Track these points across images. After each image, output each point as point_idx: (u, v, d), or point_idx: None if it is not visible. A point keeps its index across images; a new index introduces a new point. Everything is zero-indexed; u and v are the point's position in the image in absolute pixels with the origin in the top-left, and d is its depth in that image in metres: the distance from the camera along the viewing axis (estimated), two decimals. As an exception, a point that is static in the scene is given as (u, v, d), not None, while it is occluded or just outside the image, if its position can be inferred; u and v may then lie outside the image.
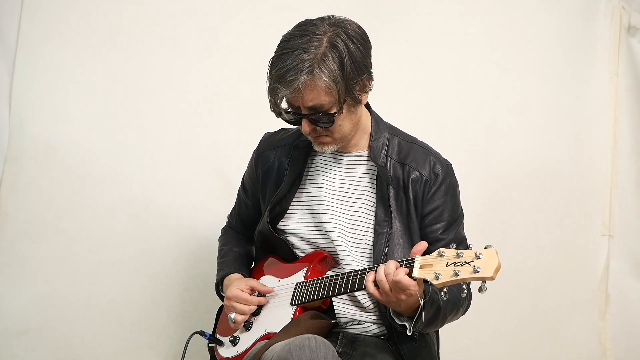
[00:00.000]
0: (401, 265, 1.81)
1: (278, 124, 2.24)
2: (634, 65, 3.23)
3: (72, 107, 2.77)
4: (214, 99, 2.91)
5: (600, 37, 3.21)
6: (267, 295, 2.11)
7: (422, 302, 1.80)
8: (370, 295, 1.91)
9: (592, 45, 3.21)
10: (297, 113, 1.95)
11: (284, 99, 1.93)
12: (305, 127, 1.96)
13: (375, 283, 1.84)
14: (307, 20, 1.97)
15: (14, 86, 2.72)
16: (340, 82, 1.89)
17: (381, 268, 1.83)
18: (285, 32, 1.96)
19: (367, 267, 1.93)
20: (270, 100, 1.95)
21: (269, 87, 1.93)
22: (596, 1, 3.21)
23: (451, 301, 1.95)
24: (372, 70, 1.99)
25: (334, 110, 1.93)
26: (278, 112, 1.97)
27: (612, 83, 3.24)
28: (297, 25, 1.96)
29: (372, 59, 2.00)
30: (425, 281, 1.77)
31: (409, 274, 1.78)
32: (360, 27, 1.97)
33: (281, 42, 1.94)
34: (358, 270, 1.92)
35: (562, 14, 3.18)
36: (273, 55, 1.94)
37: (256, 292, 2.11)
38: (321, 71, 1.88)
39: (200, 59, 2.88)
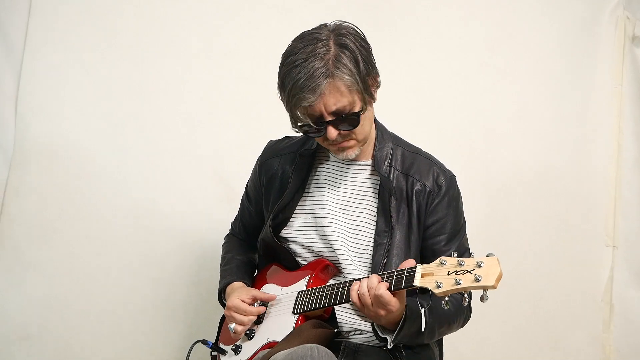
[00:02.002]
0: (400, 275, 1.80)
1: (279, 128, 2.25)
2: (638, 75, 3.21)
3: (76, 112, 2.79)
4: (215, 103, 2.91)
5: (604, 47, 3.20)
6: (269, 303, 2.11)
7: (423, 311, 1.81)
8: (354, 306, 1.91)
9: (595, 55, 3.20)
10: (323, 122, 1.93)
11: (305, 113, 1.91)
12: (332, 133, 1.94)
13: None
14: (304, 32, 1.96)
15: (19, 91, 2.74)
16: (359, 78, 1.90)
17: (364, 281, 1.83)
18: (286, 49, 1.95)
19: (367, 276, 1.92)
20: (293, 115, 1.93)
21: (288, 102, 1.91)
22: (600, 10, 3.20)
23: (441, 315, 1.94)
24: (376, 66, 2.00)
25: (357, 109, 1.93)
26: (301, 126, 1.95)
27: (616, 93, 3.23)
28: (296, 39, 1.96)
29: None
30: (426, 290, 1.76)
31: (411, 283, 1.76)
32: (357, 27, 1.98)
33: (286, 57, 1.93)
34: (360, 279, 1.91)
35: (566, 22, 3.18)
36: (282, 72, 1.93)
37: (258, 302, 2.11)
38: (340, 71, 1.88)
39: (202, 64, 2.90)
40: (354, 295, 1.84)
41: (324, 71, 1.87)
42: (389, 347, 1.88)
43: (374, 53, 1.98)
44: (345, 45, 1.90)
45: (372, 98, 1.99)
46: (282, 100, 1.97)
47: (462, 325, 2.07)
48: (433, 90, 3.09)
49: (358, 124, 1.94)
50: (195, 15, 2.88)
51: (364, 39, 1.96)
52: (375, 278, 1.82)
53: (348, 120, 1.93)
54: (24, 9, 2.72)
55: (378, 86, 2.00)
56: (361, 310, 1.85)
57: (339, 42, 1.90)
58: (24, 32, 2.73)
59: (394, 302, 1.79)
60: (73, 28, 2.78)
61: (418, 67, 3.07)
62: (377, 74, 1.99)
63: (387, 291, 1.78)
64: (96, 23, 2.79)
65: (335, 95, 1.89)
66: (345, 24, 1.96)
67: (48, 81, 2.76)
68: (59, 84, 2.77)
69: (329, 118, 1.92)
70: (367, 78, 1.93)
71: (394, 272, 1.82)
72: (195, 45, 2.88)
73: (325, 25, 1.96)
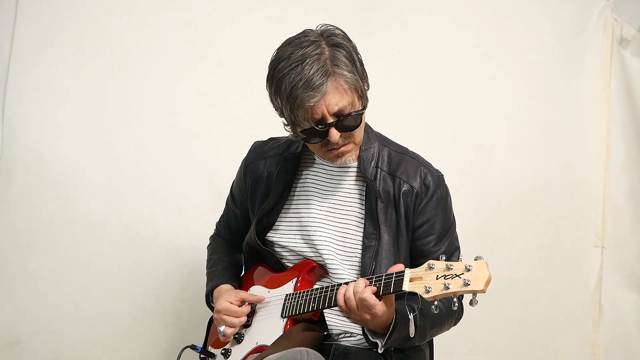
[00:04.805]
0: (389, 279, 1.79)
1: (270, 134, 2.24)
2: (626, 77, 3.23)
3: (63, 119, 2.78)
4: (205, 110, 2.91)
5: (593, 49, 3.22)
6: (257, 305, 2.10)
7: (411, 317, 1.79)
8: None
9: (584, 58, 3.22)
10: (326, 124, 1.90)
11: (306, 116, 1.88)
12: (334, 136, 1.91)
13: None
14: (289, 38, 1.94)
15: (6, 97, 2.72)
16: (357, 76, 1.90)
17: (350, 286, 1.83)
18: (274, 56, 1.92)
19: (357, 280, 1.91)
20: (294, 119, 1.89)
21: (288, 106, 1.87)
22: (588, 13, 3.21)
23: (431, 317, 1.93)
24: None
25: (359, 108, 1.92)
26: (303, 130, 1.91)
27: (604, 95, 3.25)
28: (283, 45, 1.93)
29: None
30: (414, 294, 1.76)
31: (399, 288, 1.76)
32: (342, 29, 1.96)
33: (277, 63, 1.90)
34: (348, 282, 1.90)
35: (554, 26, 3.19)
36: (275, 77, 1.89)
37: (246, 303, 2.10)
38: (340, 69, 1.87)
39: (191, 70, 2.89)
40: (340, 299, 1.83)
41: (325, 71, 1.85)
42: (379, 351, 1.87)
43: (365, 59, 1.97)
44: (339, 45, 1.90)
45: (366, 97, 1.97)
46: (277, 108, 1.94)
47: (454, 324, 2.07)
48: (424, 96, 3.10)
49: (360, 122, 1.93)
50: (185, 23, 2.88)
51: (350, 39, 1.95)
52: (362, 282, 1.81)
53: (350, 119, 1.91)
54: (10, 15, 2.70)
55: (368, 87, 1.99)
56: (348, 314, 1.85)
57: (332, 43, 1.89)
58: (10, 38, 2.71)
59: (379, 306, 1.78)
60: (60, 34, 2.76)
61: (409, 73, 3.07)
62: (366, 75, 1.98)
63: (372, 295, 1.78)
64: (84, 30, 2.78)
65: (337, 95, 1.87)
66: (331, 27, 1.94)
67: (35, 88, 2.74)
68: (46, 91, 2.75)
69: (331, 120, 1.90)
70: (361, 76, 1.92)
71: (382, 276, 1.82)
72: (185, 53, 2.88)
73: (310, 30, 1.94)
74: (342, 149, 1.96)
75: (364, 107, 1.93)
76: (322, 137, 1.92)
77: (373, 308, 1.78)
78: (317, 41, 1.89)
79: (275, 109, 1.97)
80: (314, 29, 1.94)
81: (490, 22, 3.16)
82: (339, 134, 1.91)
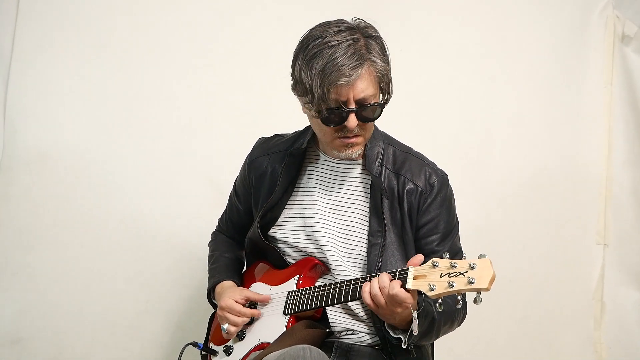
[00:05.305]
0: (394, 277, 1.79)
1: (272, 132, 2.24)
2: (628, 74, 3.23)
3: (65, 116, 2.78)
4: (206, 107, 2.91)
5: (594, 47, 3.22)
6: (259, 304, 2.10)
7: (415, 314, 1.79)
8: (366, 305, 1.89)
9: (586, 55, 3.21)
10: (346, 110, 1.90)
11: (335, 95, 1.87)
12: (352, 122, 1.91)
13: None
14: (327, 21, 1.94)
15: (8, 95, 2.72)
16: (388, 67, 1.93)
17: (375, 281, 1.81)
18: (310, 33, 1.92)
19: (360, 277, 1.91)
20: (322, 96, 1.87)
21: (320, 81, 1.86)
22: (590, 10, 3.21)
23: (446, 312, 1.93)
24: None
25: (381, 99, 1.93)
26: (328, 109, 1.90)
27: (606, 92, 3.24)
28: (322, 24, 1.93)
29: None
30: (419, 292, 1.75)
31: (403, 286, 1.76)
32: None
33: (313, 40, 1.89)
34: (351, 280, 1.91)
35: (556, 24, 3.19)
36: (308, 52, 1.88)
37: (249, 302, 2.10)
38: (374, 57, 1.89)
39: (192, 68, 2.89)
40: (366, 297, 1.81)
41: (361, 55, 1.87)
42: (403, 346, 1.86)
43: None
44: (373, 37, 1.92)
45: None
46: (302, 81, 1.90)
47: (460, 324, 2.07)
48: (426, 94, 3.09)
49: (379, 115, 1.94)
50: (187, 20, 2.87)
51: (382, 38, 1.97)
52: (386, 277, 1.80)
53: (370, 110, 1.92)
54: (11, 14, 2.70)
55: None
56: (375, 311, 1.83)
57: (367, 34, 1.92)
58: (12, 36, 2.71)
59: (409, 299, 1.77)
60: (62, 33, 2.76)
61: (412, 71, 3.06)
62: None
63: (402, 289, 1.76)
64: (85, 28, 2.78)
65: (366, 82, 1.89)
66: (364, 21, 1.96)
67: (37, 86, 2.74)
68: (47, 89, 2.75)
69: (353, 105, 1.90)
70: (389, 70, 1.94)
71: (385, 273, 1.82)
72: (187, 51, 2.87)
73: (344, 20, 1.95)
74: (354, 139, 1.96)
75: (387, 101, 1.95)
76: (340, 122, 1.92)
77: (404, 302, 1.76)
78: (354, 29, 1.91)
79: (297, 84, 1.94)
80: (348, 19, 1.95)
81: (492, 21, 3.16)
82: (357, 122, 1.92)
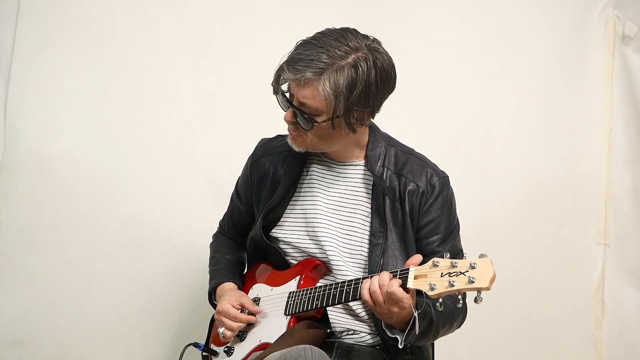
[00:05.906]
0: (395, 276, 1.80)
1: (272, 133, 2.24)
2: (628, 74, 3.23)
3: (66, 117, 2.78)
4: (207, 108, 2.91)
5: (595, 47, 3.22)
6: (260, 303, 2.11)
7: (416, 314, 1.79)
8: (365, 304, 1.90)
9: (586, 55, 3.22)
10: (288, 100, 1.94)
11: (286, 82, 1.92)
12: (288, 116, 1.95)
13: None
14: (353, 29, 1.94)
15: (9, 96, 2.72)
16: (341, 101, 1.87)
17: (375, 279, 1.81)
18: (330, 27, 1.94)
19: (361, 277, 1.91)
20: (274, 76, 1.93)
21: (280, 63, 1.91)
22: (590, 10, 3.21)
23: (444, 314, 1.93)
24: (378, 110, 1.97)
25: (321, 119, 1.92)
26: (275, 90, 1.95)
27: (606, 92, 3.24)
28: (343, 28, 1.93)
29: None
30: (420, 292, 1.76)
31: (403, 286, 1.77)
32: (392, 66, 1.95)
33: (318, 32, 1.93)
34: (352, 280, 1.91)
35: (556, 23, 3.19)
36: (304, 38, 1.92)
37: (246, 310, 2.10)
38: (328, 80, 1.86)
39: (194, 68, 2.89)
40: (365, 294, 1.81)
41: (319, 67, 1.86)
42: (399, 346, 1.86)
43: None
44: (357, 68, 1.87)
45: (348, 126, 1.93)
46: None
47: (459, 325, 2.07)
48: (427, 95, 3.09)
49: (309, 129, 1.93)
50: (187, 20, 2.87)
51: (387, 79, 1.93)
52: (386, 275, 1.80)
53: (305, 119, 1.92)
54: (12, 14, 2.70)
55: (364, 124, 1.98)
56: (373, 309, 1.83)
57: (356, 62, 1.87)
58: (12, 36, 2.71)
59: (407, 298, 1.77)
60: (62, 33, 2.76)
61: (412, 71, 3.04)
62: (370, 114, 1.95)
63: (400, 288, 1.77)
64: (86, 28, 2.78)
65: (309, 92, 1.88)
66: (384, 53, 1.93)
67: (37, 87, 2.74)
68: (48, 89, 2.75)
69: (295, 103, 1.92)
70: (353, 107, 1.90)
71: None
72: (187, 50, 2.87)
73: (373, 40, 1.93)
74: (293, 133, 1.99)
75: (326, 121, 1.91)
76: (282, 108, 1.97)
77: (401, 301, 1.77)
78: (352, 50, 1.88)
79: None
80: (377, 40, 1.94)
81: (492, 21, 3.16)
82: (292, 120, 1.95)
